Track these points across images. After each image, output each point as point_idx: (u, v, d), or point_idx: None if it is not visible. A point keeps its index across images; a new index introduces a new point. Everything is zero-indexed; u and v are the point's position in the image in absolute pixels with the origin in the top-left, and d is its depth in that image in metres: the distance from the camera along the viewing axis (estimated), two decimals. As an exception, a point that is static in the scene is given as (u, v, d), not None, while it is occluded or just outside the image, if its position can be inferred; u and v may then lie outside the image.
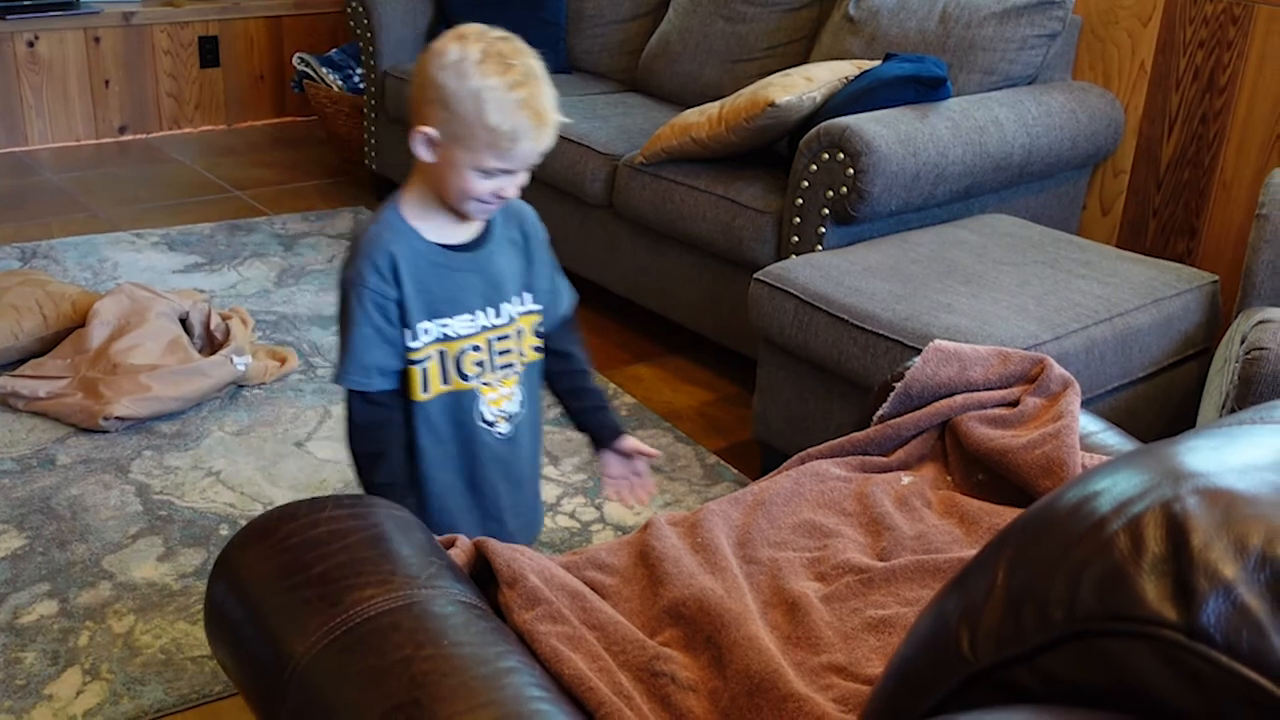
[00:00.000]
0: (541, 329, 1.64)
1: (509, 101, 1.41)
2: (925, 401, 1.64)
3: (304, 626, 1.06)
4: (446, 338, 1.54)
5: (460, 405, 1.57)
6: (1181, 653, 0.57)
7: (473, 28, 1.46)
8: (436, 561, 1.15)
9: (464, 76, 1.41)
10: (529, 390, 1.64)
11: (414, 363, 1.53)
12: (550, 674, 1.11)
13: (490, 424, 1.60)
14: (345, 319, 1.52)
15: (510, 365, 1.60)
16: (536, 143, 1.45)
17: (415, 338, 1.52)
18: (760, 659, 1.16)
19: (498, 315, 1.57)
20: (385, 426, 1.56)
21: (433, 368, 1.54)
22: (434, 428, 1.58)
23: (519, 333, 1.60)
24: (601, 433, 1.74)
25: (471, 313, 1.55)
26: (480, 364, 1.57)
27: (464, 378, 1.56)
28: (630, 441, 1.74)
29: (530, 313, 1.61)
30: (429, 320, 1.52)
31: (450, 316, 1.53)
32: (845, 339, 2.17)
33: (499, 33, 1.47)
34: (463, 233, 1.55)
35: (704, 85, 3.41)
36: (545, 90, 1.45)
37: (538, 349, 1.64)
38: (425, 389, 1.54)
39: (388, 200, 1.56)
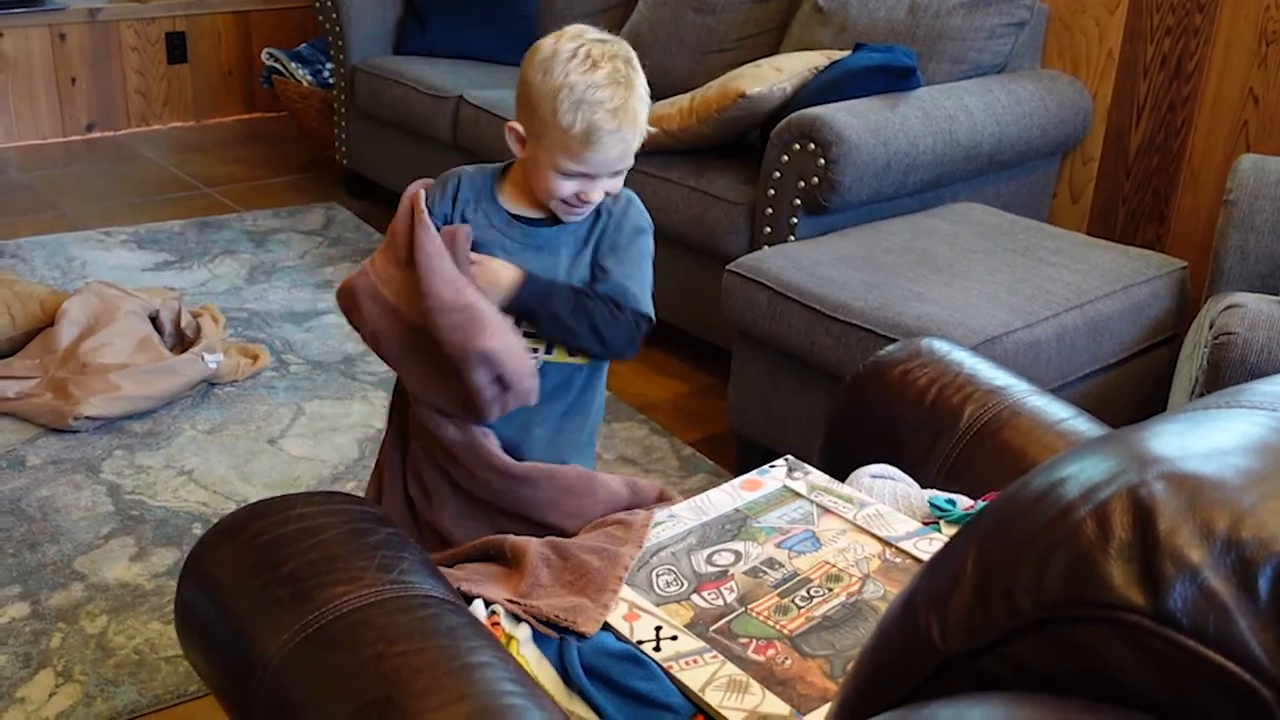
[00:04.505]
0: None
1: (585, 103, 1.36)
2: None
3: (275, 625, 1.05)
4: None
5: None
6: (1149, 637, 0.57)
7: (576, 27, 1.43)
8: (408, 557, 1.14)
9: (548, 74, 1.38)
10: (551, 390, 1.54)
11: None
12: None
13: None
14: None
15: (535, 350, 1.52)
16: (610, 149, 1.40)
17: None
18: None
19: None
20: None
21: None
22: None
23: None
24: None
25: None
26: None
27: None
28: None
29: None
30: None
31: None
32: (818, 329, 2.17)
33: (599, 34, 1.43)
34: (540, 208, 1.52)
35: (675, 77, 3.40)
36: (630, 96, 1.39)
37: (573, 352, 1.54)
38: None
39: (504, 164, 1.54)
